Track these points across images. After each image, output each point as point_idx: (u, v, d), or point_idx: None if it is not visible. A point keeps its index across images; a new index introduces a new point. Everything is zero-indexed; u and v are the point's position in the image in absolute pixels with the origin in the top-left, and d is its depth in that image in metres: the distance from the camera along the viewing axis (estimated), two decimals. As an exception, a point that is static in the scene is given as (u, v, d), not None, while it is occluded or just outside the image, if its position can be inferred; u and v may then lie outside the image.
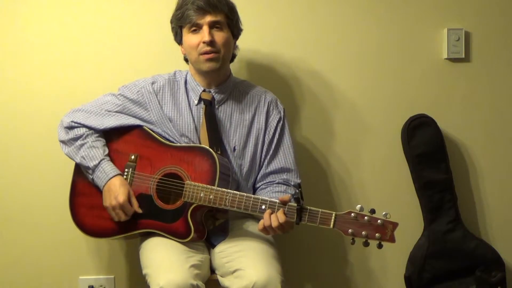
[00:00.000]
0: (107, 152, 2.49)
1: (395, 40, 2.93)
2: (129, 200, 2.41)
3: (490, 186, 2.99)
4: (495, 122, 2.98)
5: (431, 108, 2.93)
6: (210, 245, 2.48)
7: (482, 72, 2.96)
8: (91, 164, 2.45)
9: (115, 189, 2.41)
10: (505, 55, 2.97)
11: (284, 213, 2.26)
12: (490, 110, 2.97)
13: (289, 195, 2.35)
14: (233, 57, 2.61)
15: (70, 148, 2.51)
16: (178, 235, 2.38)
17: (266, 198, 2.30)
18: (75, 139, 2.50)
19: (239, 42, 2.59)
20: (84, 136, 2.49)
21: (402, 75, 2.95)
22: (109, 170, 2.45)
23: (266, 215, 2.27)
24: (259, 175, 2.57)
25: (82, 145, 2.48)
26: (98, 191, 2.48)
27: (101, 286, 2.88)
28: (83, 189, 2.53)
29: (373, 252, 2.83)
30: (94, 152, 2.47)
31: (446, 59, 2.95)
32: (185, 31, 2.50)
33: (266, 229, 2.29)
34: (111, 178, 2.44)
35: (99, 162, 2.45)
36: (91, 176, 2.47)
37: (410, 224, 2.91)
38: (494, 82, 2.97)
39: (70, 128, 2.51)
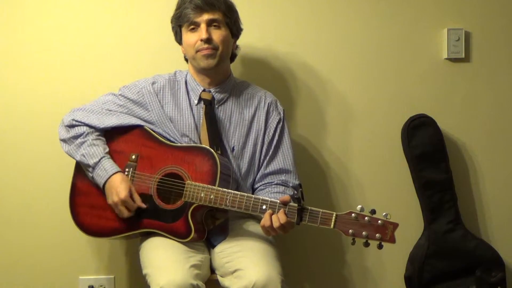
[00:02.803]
0: (107, 150, 2.49)
1: (395, 40, 2.93)
2: (131, 196, 2.41)
3: (490, 186, 2.99)
4: (495, 122, 2.98)
5: (431, 108, 2.93)
6: (210, 245, 2.48)
7: (482, 72, 2.97)
8: (91, 161, 2.45)
9: (116, 186, 2.41)
10: (505, 55, 2.97)
11: (285, 213, 2.26)
12: (490, 110, 2.97)
13: (289, 196, 2.35)
14: (234, 56, 2.61)
15: (70, 146, 2.50)
16: (179, 235, 2.38)
17: (267, 198, 2.30)
18: (76, 137, 2.49)
19: (238, 41, 2.59)
20: (84, 134, 2.49)
21: (402, 75, 2.95)
22: (109, 167, 2.44)
23: (266, 216, 2.27)
24: (258, 176, 2.56)
25: (82, 143, 2.48)
26: (98, 190, 2.48)
27: (101, 286, 2.88)
28: (83, 189, 2.53)
29: (373, 252, 2.83)
30: (94, 150, 2.46)
31: (446, 59, 2.95)
32: (184, 30, 2.51)
33: (267, 230, 2.29)
34: (112, 175, 2.43)
35: (99, 160, 2.45)
36: (91, 174, 2.47)
37: (410, 224, 2.91)
38: (494, 82, 2.97)
39: (71, 126, 2.51)
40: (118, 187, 2.40)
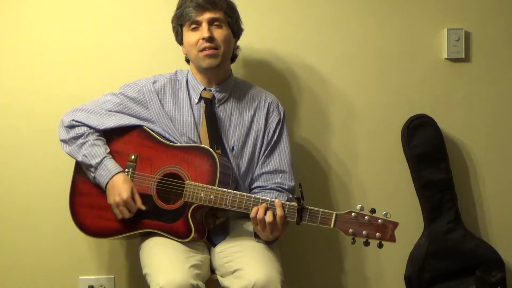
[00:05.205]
0: (108, 150, 2.49)
1: (395, 40, 2.93)
2: (133, 197, 2.41)
3: (490, 186, 2.99)
4: (495, 122, 2.98)
5: (431, 108, 2.93)
6: (211, 244, 2.48)
7: (482, 72, 2.97)
8: (93, 162, 2.45)
9: (118, 186, 2.41)
10: (505, 55, 2.97)
11: (283, 209, 2.26)
12: (490, 110, 2.98)
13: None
14: (235, 57, 2.61)
15: (71, 147, 2.50)
16: (179, 235, 2.38)
17: (267, 198, 2.30)
18: (76, 137, 2.49)
19: (239, 42, 2.59)
20: (85, 134, 2.49)
21: (402, 75, 2.95)
22: (112, 167, 2.44)
23: (261, 208, 2.27)
24: (254, 175, 2.56)
25: (83, 143, 2.48)
26: (98, 191, 2.48)
27: (101, 286, 2.88)
28: (83, 189, 2.53)
29: (373, 252, 2.83)
30: (96, 150, 2.46)
31: (446, 59, 2.95)
32: (185, 29, 2.51)
33: (255, 220, 2.29)
34: (114, 175, 2.43)
35: (101, 160, 2.45)
36: (93, 175, 2.47)
37: (410, 224, 2.91)
38: (494, 82, 2.97)
39: (71, 127, 2.51)
40: (121, 187, 2.40)
